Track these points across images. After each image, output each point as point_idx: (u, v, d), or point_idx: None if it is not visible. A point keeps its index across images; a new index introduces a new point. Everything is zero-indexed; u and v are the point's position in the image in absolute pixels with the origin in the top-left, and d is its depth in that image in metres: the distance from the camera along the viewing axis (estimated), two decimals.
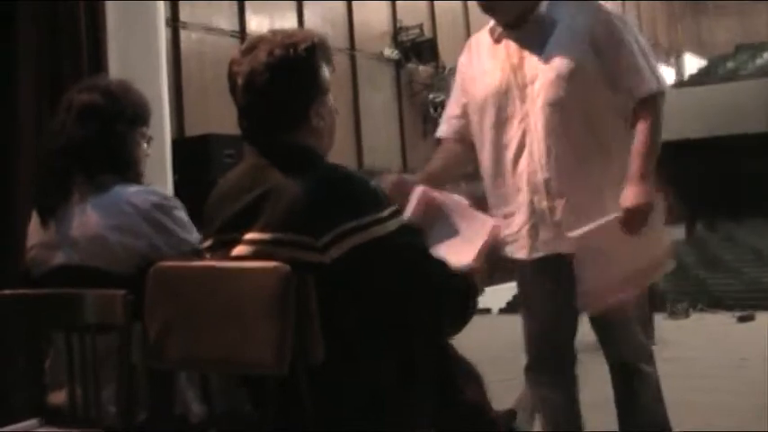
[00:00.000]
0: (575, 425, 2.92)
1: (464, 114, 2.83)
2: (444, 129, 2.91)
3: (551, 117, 2.59)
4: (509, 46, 2.67)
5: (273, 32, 1.98)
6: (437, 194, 2.20)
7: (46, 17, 3.88)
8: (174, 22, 7.93)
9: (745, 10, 21.91)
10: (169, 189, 4.27)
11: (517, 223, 2.72)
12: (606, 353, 2.85)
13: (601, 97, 2.62)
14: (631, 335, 2.80)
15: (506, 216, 2.72)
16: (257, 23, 8.79)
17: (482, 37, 2.80)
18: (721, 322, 7.62)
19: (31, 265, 2.35)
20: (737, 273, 12.83)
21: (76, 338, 2.06)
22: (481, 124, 2.73)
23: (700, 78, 18.22)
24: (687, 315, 7.73)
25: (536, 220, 2.68)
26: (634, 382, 2.80)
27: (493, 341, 6.72)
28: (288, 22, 9.24)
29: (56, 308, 2.13)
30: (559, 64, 2.58)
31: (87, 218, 2.25)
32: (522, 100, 2.63)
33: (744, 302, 9.62)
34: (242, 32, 8.62)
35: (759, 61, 20.25)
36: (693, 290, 11.00)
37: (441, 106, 11.05)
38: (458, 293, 1.94)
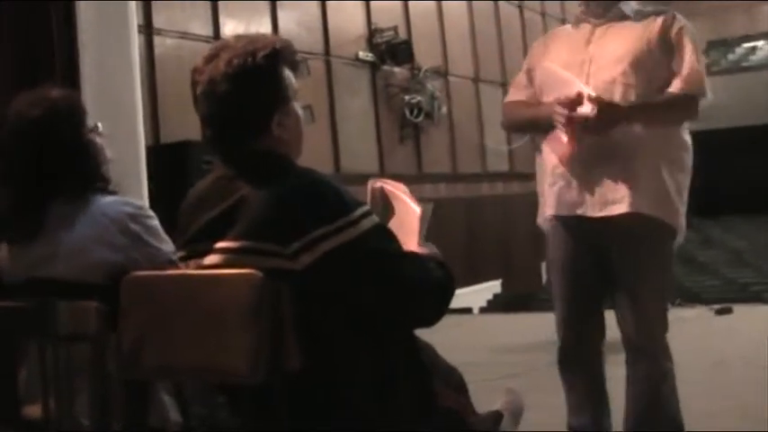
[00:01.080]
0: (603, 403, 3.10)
1: (530, 84, 3.13)
2: (512, 95, 3.21)
3: (603, 93, 2.82)
4: (585, 28, 3.04)
5: (237, 38, 1.97)
6: (380, 183, 2.20)
7: (19, 26, 3.86)
8: (148, 29, 7.88)
9: (717, 10, 22.09)
10: (145, 197, 4.26)
11: (548, 182, 3.00)
12: (627, 353, 3.01)
13: (652, 87, 2.91)
14: (654, 333, 2.97)
15: (544, 175, 3.04)
16: (232, 28, 8.75)
17: (563, 27, 3.25)
18: (699, 316, 7.69)
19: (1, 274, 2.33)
20: (715, 271, 12.90)
21: (50, 350, 2.04)
22: (542, 89, 3.04)
23: None
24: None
25: (563, 182, 2.95)
26: (653, 372, 2.95)
27: (474, 341, 6.74)
28: (263, 27, 9.20)
29: (29, 319, 2.11)
30: (621, 50, 2.91)
31: (62, 232, 2.24)
32: (582, 74, 2.93)
33: (721, 296, 9.68)
34: (216, 38, 8.57)
35: (731, 56, 20.40)
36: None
37: (417, 108, 11.04)
38: (436, 287, 1.94)
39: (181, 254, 2.00)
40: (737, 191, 15.54)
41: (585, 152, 2.86)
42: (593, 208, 2.90)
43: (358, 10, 10.67)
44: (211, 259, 1.87)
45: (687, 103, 2.93)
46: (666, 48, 2.92)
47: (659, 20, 2.95)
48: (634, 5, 3.03)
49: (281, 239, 1.78)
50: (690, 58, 2.91)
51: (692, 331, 6.55)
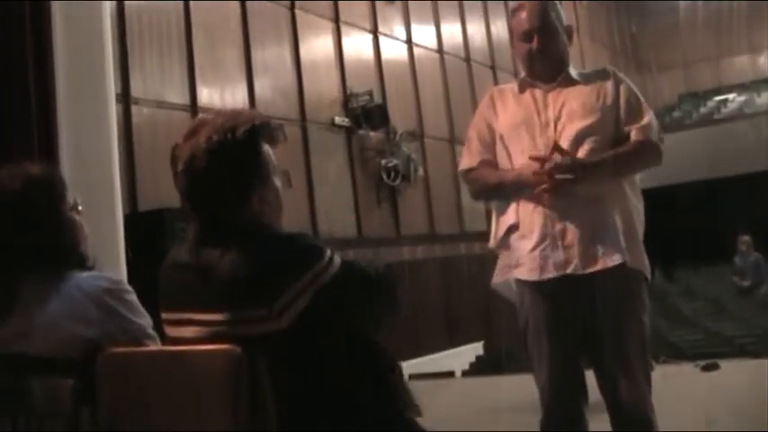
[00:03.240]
0: None
1: (485, 149, 3.14)
2: (468, 161, 3.19)
3: (571, 150, 2.92)
4: (534, 93, 3.10)
5: (216, 114, 1.98)
6: None
7: None
8: (126, 98, 7.90)
9: (688, 63, 22.48)
10: (122, 265, 4.21)
11: (529, 245, 2.96)
12: (614, 412, 2.96)
13: (614, 138, 3.01)
14: (640, 388, 2.94)
15: (521, 238, 3.00)
16: (208, 96, 8.79)
17: (505, 88, 3.24)
18: (685, 373, 7.63)
19: None
20: (698, 323, 12.89)
21: (24, 428, 1.99)
22: (507, 151, 3.08)
23: None
24: (651, 368, 7.70)
25: (548, 242, 2.93)
26: None
27: (458, 406, 6.65)
28: (239, 94, 9.25)
29: (2, 397, 2.06)
30: (581, 109, 3.00)
31: (36, 308, 2.19)
32: (544, 135, 2.99)
33: (706, 351, 9.64)
34: (193, 106, 8.61)
35: (703, 110, 20.68)
36: (655, 341, 11.02)
37: (394, 171, 11.07)
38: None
39: (164, 317, 1.99)
40: (717, 241, 15.60)
41: (566, 208, 2.90)
42: (581, 265, 2.89)
43: (333, 75, 10.77)
44: (196, 331, 1.85)
45: (652, 149, 3.03)
46: (621, 101, 3.04)
47: (608, 78, 3.09)
48: (575, 70, 3.14)
49: (265, 302, 1.79)
50: (645, 109, 3.07)
51: (679, 389, 6.50)
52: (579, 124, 2.98)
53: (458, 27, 13.68)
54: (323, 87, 10.56)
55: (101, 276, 2.27)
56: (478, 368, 10.81)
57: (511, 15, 3.19)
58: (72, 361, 2.10)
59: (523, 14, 3.09)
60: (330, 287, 1.84)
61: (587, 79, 3.11)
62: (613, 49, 20.91)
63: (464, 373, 10.37)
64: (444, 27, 13.23)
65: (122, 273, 4.04)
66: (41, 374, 2.03)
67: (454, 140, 12.63)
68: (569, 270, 2.90)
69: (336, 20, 10.98)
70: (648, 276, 3.01)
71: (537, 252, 2.94)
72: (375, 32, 11.69)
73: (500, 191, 3.10)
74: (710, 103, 20.98)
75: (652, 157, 3.05)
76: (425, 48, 12.68)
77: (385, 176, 11.02)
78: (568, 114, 3.00)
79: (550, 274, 2.93)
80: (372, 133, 11.00)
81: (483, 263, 12.51)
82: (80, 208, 2.43)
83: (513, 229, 3.04)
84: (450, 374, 9.45)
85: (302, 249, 1.88)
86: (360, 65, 11.25)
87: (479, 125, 3.19)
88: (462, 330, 11.58)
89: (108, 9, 4.44)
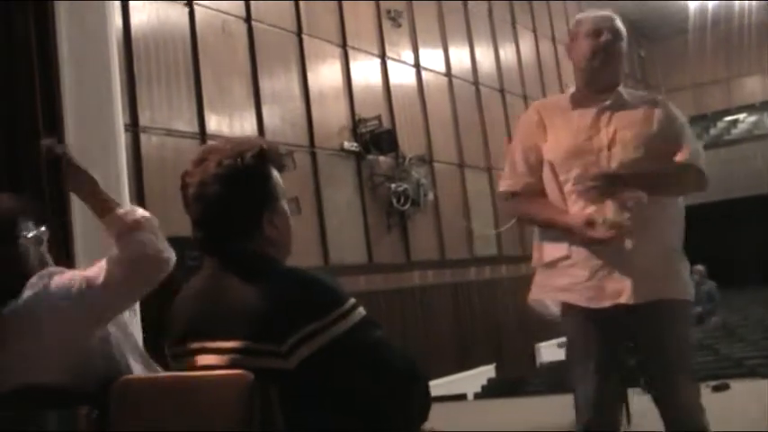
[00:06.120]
0: None
1: (531, 172, 3.09)
2: (512, 183, 3.14)
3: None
4: (584, 114, 3.04)
5: (224, 142, 2.00)
6: None
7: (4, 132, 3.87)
8: (134, 127, 7.94)
9: (697, 85, 22.48)
10: None
11: (582, 273, 2.95)
12: (670, 424, 2.99)
13: (664, 163, 3.00)
14: (692, 395, 3.00)
15: (573, 266, 2.98)
16: (216, 124, 8.82)
17: (550, 104, 3.25)
18: None
19: None
20: (709, 347, 12.82)
21: None
22: (557, 180, 3.03)
23: None
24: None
25: (603, 273, 2.93)
26: None
27: (470, 428, 6.61)
28: (247, 122, 9.28)
29: (17, 430, 2.06)
30: (634, 135, 2.98)
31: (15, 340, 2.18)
32: (597, 160, 2.97)
33: (717, 373, 9.58)
34: (202, 134, 8.64)
35: (713, 131, 20.65)
36: None
37: (403, 196, 11.07)
38: (421, 377, 1.93)
39: (175, 350, 1.99)
40: (727, 264, 15.55)
41: (620, 241, 2.90)
42: (634, 296, 2.90)
43: (341, 101, 10.78)
44: (208, 359, 1.86)
45: (694, 173, 3.04)
46: (669, 130, 3.04)
47: (658, 104, 3.09)
48: (624, 89, 3.12)
49: (276, 338, 1.78)
50: (691, 135, 3.07)
51: None
52: (632, 155, 2.98)
53: (466, 51, 13.71)
54: (331, 113, 10.58)
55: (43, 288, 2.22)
56: (490, 391, 10.77)
57: (575, 25, 3.14)
58: (84, 391, 2.09)
59: (596, 16, 3.10)
60: (344, 339, 1.82)
61: (636, 102, 3.10)
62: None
63: (476, 396, 10.33)
64: (452, 51, 13.26)
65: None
66: (55, 404, 2.03)
67: (463, 165, 12.65)
68: (622, 300, 2.91)
69: (344, 45, 11.02)
70: (693, 301, 3.07)
71: (593, 282, 2.95)
72: (383, 57, 11.72)
73: (549, 228, 3.08)
74: (720, 125, 20.96)
75: (693, 182, 3.06)
76: (434, 72, 12.71)
77: (395, 201, 11.02)
78: (621, 142, 2.99)
79: (605, 303, 2.94)
80: (381, 158, 11.02)
81: (493, 287, 12.51)
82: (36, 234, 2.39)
83: (563, 258, 3.02)
84: (463, 397, 9.41)
85: (321, 292, 1.86)
86: (368, 90, 11.28)
87: (526, 144, 3.13)
88: (474, 353, 11.55)
89: (115, 39, 4.47)
